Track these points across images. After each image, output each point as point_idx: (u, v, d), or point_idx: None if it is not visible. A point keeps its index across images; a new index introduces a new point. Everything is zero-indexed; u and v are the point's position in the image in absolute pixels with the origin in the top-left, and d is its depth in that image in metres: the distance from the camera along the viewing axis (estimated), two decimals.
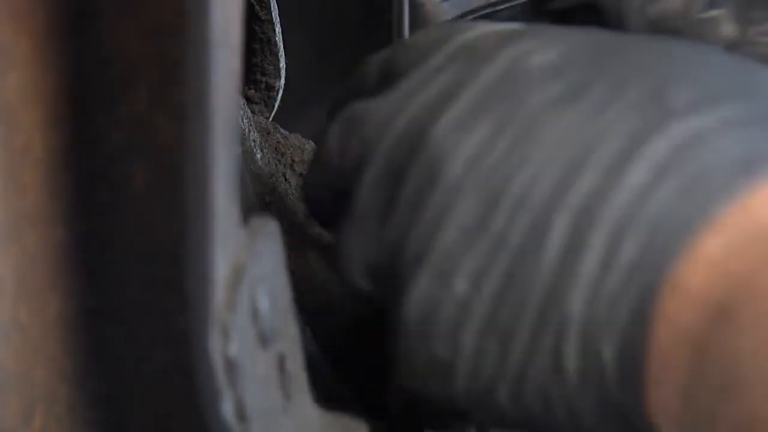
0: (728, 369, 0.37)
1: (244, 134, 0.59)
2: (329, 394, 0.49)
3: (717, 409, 0.37)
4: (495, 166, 0.43)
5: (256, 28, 0.59)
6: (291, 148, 0.65)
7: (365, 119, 0.46)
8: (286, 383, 0.41)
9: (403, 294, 0.44)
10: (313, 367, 0.45)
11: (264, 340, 0.40)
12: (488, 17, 0.64)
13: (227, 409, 0.37)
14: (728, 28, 0.58)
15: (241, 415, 0.38)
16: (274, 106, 0.66)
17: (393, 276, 0.45)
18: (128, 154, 0.41)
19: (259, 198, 0.60)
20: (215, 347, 0.37)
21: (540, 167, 0.42)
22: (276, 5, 0.60)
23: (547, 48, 0.45)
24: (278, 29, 0.59)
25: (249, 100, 0.63)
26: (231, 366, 0.37)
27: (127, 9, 0.40)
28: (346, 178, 0.47)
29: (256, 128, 0.63)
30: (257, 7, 0.58)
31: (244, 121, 0.60)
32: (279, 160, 0.64)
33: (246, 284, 0.38)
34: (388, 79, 0.48)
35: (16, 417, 0.40)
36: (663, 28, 0.59)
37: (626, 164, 0.41)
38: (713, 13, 0.58)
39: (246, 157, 0.58)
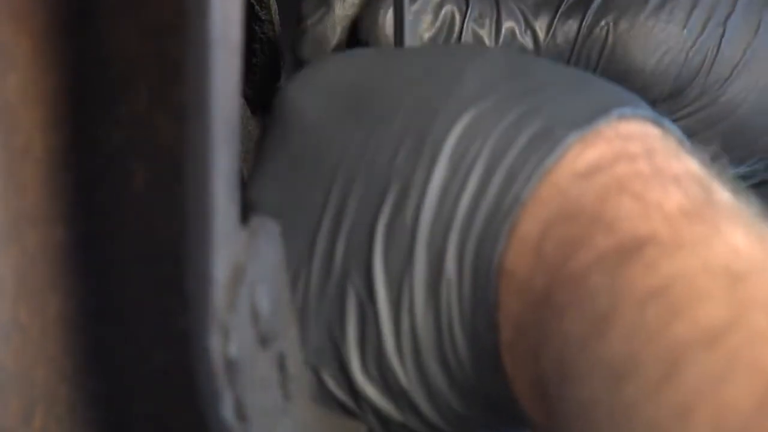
0: (562, 357, 0.36)
1: (245, 134, 0.59)
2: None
3: (561, 396, 0.36)
4: None
5: (256, 28, 0.59)
6: None
7: None
8: (286, 383, 0.41)
9: None
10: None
11: (264, 340, 0.40)
12: None
13: (227, 409, 0.37)
14: (526, 41, 0.59)
15: (241, 415, 0.38)
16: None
17: None
18: (128, 154, 0.41)
19: None
20: (215, 347, 0.37)
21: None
22: (276, 5, 0.60)
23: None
24: (278, 29, 0.59)
25: (249, 100, 0.63)
26: (231, 366, 0.37)
27: (127, 9, 0.40)
28: None
29: (256, 128, 0.63)
30: (257, 7, 0.58)
31: (244, 120, 0.60)
32: None
33: (246, 284, 0.38)
34: None
35: (16, 417, 0.40)
36: None
37: (420, 171, 0.40)
38: (507, 24, 0.59)
39: (247, 157, 0.58)
